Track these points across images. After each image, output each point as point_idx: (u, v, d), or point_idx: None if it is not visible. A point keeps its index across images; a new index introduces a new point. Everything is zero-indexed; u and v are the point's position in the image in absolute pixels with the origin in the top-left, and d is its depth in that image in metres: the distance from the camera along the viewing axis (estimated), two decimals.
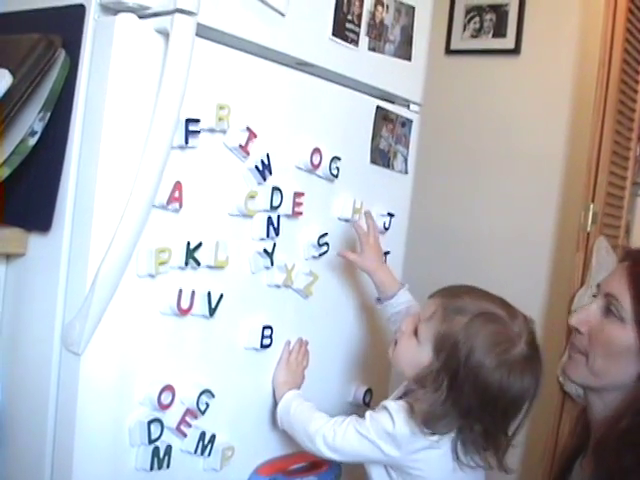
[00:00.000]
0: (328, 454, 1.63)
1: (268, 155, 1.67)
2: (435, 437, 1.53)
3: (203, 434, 1.61)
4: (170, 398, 1.54)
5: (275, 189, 1.70)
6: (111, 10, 1.41)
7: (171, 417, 1.55)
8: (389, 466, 1.61)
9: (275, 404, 1.78)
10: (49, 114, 1.44)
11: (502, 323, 1.57)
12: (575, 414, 1.80)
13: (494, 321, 1.56)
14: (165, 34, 1.41)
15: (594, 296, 1.64)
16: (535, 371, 1.57)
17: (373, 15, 1.89)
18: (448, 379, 1.53)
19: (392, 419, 1.55)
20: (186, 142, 1.48)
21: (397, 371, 1.71)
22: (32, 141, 1.44)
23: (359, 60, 1.88)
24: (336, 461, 1.75)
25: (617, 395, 1.52)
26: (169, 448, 1.56)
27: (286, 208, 1.74)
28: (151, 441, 1.52)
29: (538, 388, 1.58)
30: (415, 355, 1.60)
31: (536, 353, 1.59)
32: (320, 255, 1.86)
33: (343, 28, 1.80)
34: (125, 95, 1.41)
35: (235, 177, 1.63)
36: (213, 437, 1.64)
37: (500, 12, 3.30)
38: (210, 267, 1.59)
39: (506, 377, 1.52)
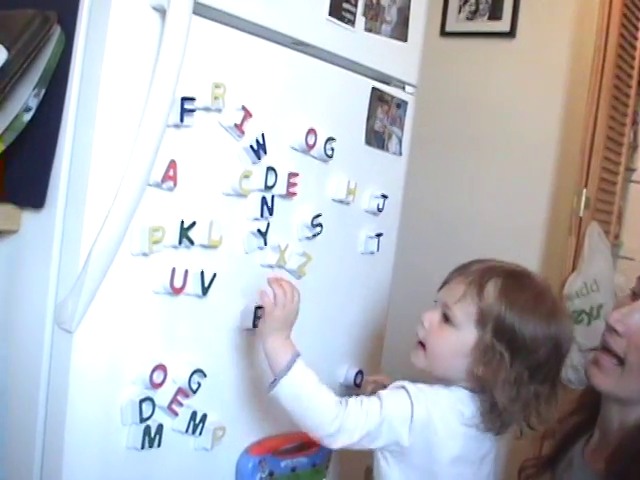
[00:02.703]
0: (343, 445, 1.55)
1: (263, 135, 1.66)
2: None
3: (194, 413, 1.61)
4: (162, 377, 1.54)
5: (269, 169, 1.69)
6: None
7: (163, 396, 1.55)
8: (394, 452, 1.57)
9: (268, 382, 1.64)
10: (44, 90, 1.43)
11: (530, 277, 1.61)
12: (574, 397, 1.75)
13: (525, 277, 1.60)
14: (162, 11, 1.40)
15: (634, 293, 1.53)
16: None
17: None
18: (505, 346, 1.51)
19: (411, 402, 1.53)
20: (181, 120, 1.47)
21: (433, 373, 1.62)
22: (27, 117, 1.43)
23: (355, 41, 1.87)
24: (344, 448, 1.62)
25: None
26: (160, 427, 1.56)
27: (280, 188, 1.73)
28: (142, 420, 1.52)
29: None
30: (457, 340, 1.56)
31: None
32: (314, 236, 1.85)
33: (340, 8, 1.79)
34: (121, 72, 1.40)
35: (230, 156, 1.63)
36: (204, 417, 1.64)
37: None
38: (204, 246, 1.59)
39: (554, 324, 1.53)
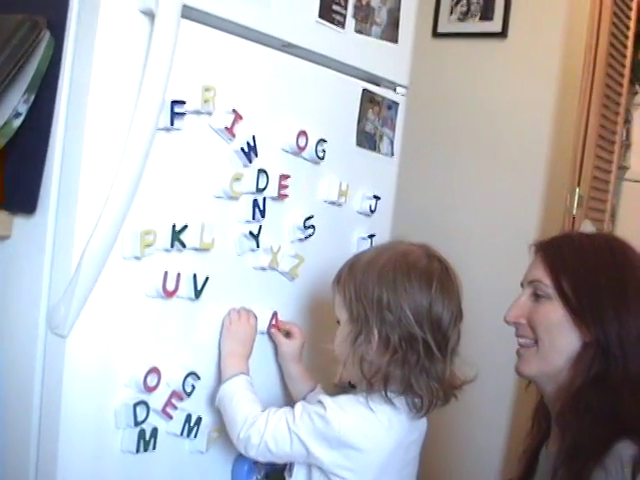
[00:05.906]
0: (255, 455, 1.60)
1: (254, 137, 1.67)
2: (389, 407, 1.55)
3: (189, 416, 1.62)
4: (156, 380, 1.55)
5: (261, 171, 1.69)
6: None
7: (157, 399, 1.56)
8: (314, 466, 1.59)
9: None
10: (33, 96, 1.43)
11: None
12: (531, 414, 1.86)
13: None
14: (150, 15, 1.40)
15: (521, 285, 1.75)
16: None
17: None
18: (364, 315, 1.55)
19: (325, 416, 1.52)
20: (172, 124, 1.47)
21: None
22: (16, 123, 1.43)
23: (345, 42, 1.87)
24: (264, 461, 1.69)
25: (567, 371, 1.62)
26: (155, 430, 1.56)
27: (272, 190, 1.73)
28: (137, 423, 1.52)
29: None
30: (343, 331, 1.60)
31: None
32: (306, 238, 1.86)
33: (329, 10, 1.80)
34: (110, 76, 1.40)
35: (221, 159, 1.63)
36: (199, 419, 1.64)
37: None
38: (196, 249, 1.59)
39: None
